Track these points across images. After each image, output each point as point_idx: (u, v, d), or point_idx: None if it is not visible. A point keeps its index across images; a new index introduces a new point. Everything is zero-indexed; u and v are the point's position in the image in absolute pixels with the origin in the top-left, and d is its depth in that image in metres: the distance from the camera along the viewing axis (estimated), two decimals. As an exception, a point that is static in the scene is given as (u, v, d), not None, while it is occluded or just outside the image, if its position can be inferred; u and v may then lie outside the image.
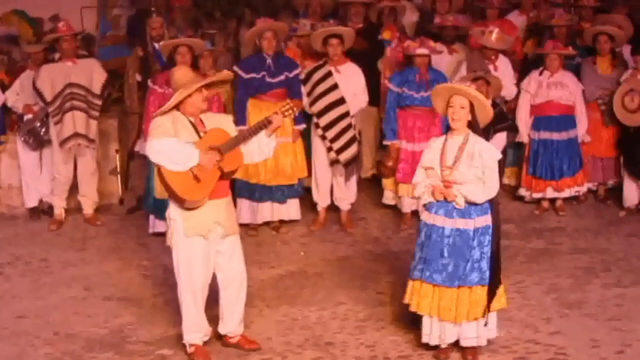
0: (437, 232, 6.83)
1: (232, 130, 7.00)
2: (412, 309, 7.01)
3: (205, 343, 7.22)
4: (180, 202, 6.80)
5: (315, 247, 9.69)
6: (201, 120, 6.93)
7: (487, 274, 6.81)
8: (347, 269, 9.00)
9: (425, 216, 6.96)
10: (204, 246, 6.91)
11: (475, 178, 6.73)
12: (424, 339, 7.05)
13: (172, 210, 6.90)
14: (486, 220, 6.82)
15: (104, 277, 8.92)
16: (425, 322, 7.01)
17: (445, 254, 6.79)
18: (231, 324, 7.25)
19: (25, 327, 7.84)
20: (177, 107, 6.86)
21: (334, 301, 8.22)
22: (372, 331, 7.60)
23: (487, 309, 6.85)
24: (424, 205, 6.97)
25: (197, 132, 6.86)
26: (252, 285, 8.52)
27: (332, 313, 7.98)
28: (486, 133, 9.14)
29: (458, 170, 6.74)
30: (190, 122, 6.86)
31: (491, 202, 6.83)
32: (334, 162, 10.00)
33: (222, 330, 7.29)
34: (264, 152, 7.06)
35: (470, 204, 6.75)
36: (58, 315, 8.06)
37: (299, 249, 9.63)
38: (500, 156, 6.89)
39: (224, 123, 7.06)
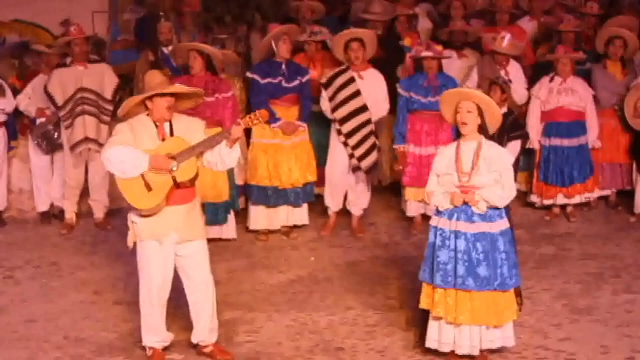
0: (461, 238, 6.79)
1: (201, 135, 6.98)
2: (439, 314, 6.93)
3: (167, 348, 7.26)
4: (135, 209, 6.90)
5: (325, 252, 9.69)
6: (171, 125, 6.94)
7: (514, 278, 6.86)
8: (356, 274, 9.00)
9: (443, 223, 6.88)
10: (160, 250, 6.94)
11: (494, 182, 6.75)
12: (431, 345, 7.04)
13: (133, 213, 6.99)
14: (505, 223, 6.85)
15: (113, 281, 8.93)
16: (434, 327, 6.99)
17: (474, 259, 6.76)
18: (200, 332, 7.24)
19: (35, 331, 7.85)
20: (146, 111, 6.93)
21: (343, 306, 8.22)
22: (382, 336, 7.60)
23: (519, 308, 6.98)
24: (438, 212, 6.93)
25: (160, 138, 6.89)
26: (261, 290, 8.58)
27: (342, 318, 7.98)
28: (500, 140, 9.21)
29: (478, 176, 6.72)
30: (156, 127, 6.90)
31: (507, 206, 6.86)
32: (355, 169, 10.00)
33: (193, 338, 7.30)
34: (225, 163, 7.04)
35: (489, 208, 6.77)
36: (68, 319, 8.08)
37: (308, 254, 9.63)
38: (513, 159, 6.87)
39: (195, 128, 7.05)
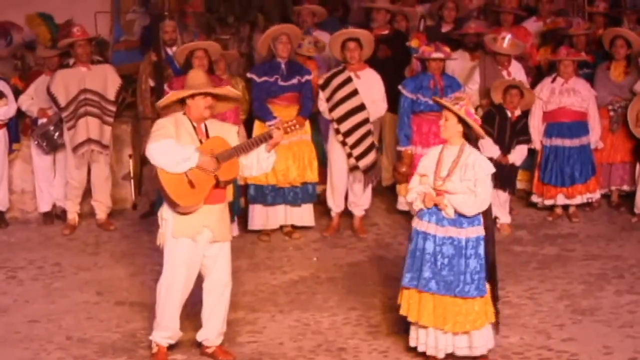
0: (429, 240, 6.87)
1: (235, 140, 7.07)
2: (410, 318, 7.03)
3: (170, 347, 7.27)
4: (174, 206, 6.91)
5: (328, 253, 9.69)
6: (206, 127, 7.01)
7: (485, 286, 6.87)
8: (359, 275, 9.00)
9: (416, 223, 7.00)
10: (191, 248, 6.99)
11: (466, 190, 6.77)
12: (412, 343, 7.10)
13: (165, 210, 7.03)
14: (478, 231, 6.86)
15: (116, 282, 8.94)
16: (415, 329, 7.04)
17: (439, 262, 6.83)
18: (207, 333, 7.26)
19: (37, 331, 7.86)
20: (183, 109, 6.98)
21: (346, 306, 8.23)
22: (384, 337, 7.60)
23: (496, 318, 6.96)
24: (417, 213, 7.00)
25: (199, 138, 6.96)
26: (264, 291, 8.58)
27: (345, 318, 7.99)
28: (509, 143, 9.33)
29: (451, 182, 6.78)
30: (193, 127, 6.96)
31: (484, 213, 6.87)
32: (353, 169, 9.99)
33: (198, 337, 7.32)
34: (262, 167, 7.10)
35: (459, 215, 6.79)
36: (70, 320, 8.08)
37: (311, 255, 9.64)
38: (493, 169, 6.90)
39: (228, 132, 7.12)
